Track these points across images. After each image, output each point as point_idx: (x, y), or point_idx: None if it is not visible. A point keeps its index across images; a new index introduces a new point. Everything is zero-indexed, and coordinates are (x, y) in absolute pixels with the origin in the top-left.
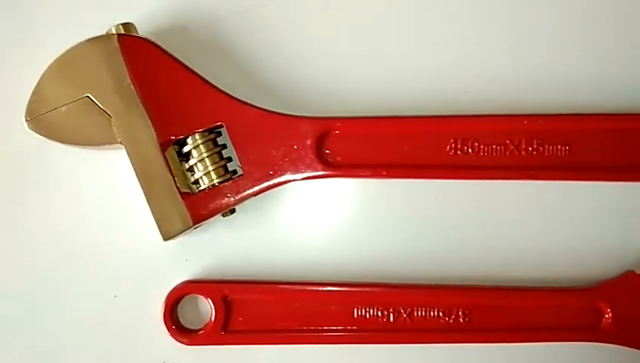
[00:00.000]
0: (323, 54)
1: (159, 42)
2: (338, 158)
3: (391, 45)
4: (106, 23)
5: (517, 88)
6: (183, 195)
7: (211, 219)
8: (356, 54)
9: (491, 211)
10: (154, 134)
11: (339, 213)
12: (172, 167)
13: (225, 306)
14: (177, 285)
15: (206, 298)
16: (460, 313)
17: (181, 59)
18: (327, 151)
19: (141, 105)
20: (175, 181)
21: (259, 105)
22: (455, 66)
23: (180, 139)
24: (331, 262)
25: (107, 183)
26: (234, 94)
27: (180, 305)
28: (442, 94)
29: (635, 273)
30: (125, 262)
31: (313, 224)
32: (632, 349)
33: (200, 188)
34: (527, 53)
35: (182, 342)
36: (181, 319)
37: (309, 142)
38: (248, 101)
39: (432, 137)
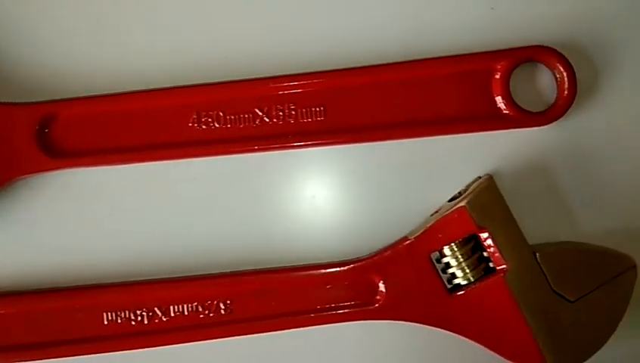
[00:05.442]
0: (50, 30)
1: None
2: (65, 147)
3: (126, 13)
4: None
5: (276, 49)
6: None
7: None
8: (87, 26)
9: (249, 186)
10: None
11: (77, 208)
12: None
13: None
14: None
15: None
16: (221, 305)
17: None
18: (53, 141)
19: None
20: None
21: None
22: (209, 30)
23: None
24: (75, 264)
25: None
26: None
27: None
28: (196, 63)
29: (408, 239)
30: None
31: (55, 223)
32: (411, 324)
33: None
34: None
35: None
36: None
37: (28, 132)
38: None
39: (170, 112)
